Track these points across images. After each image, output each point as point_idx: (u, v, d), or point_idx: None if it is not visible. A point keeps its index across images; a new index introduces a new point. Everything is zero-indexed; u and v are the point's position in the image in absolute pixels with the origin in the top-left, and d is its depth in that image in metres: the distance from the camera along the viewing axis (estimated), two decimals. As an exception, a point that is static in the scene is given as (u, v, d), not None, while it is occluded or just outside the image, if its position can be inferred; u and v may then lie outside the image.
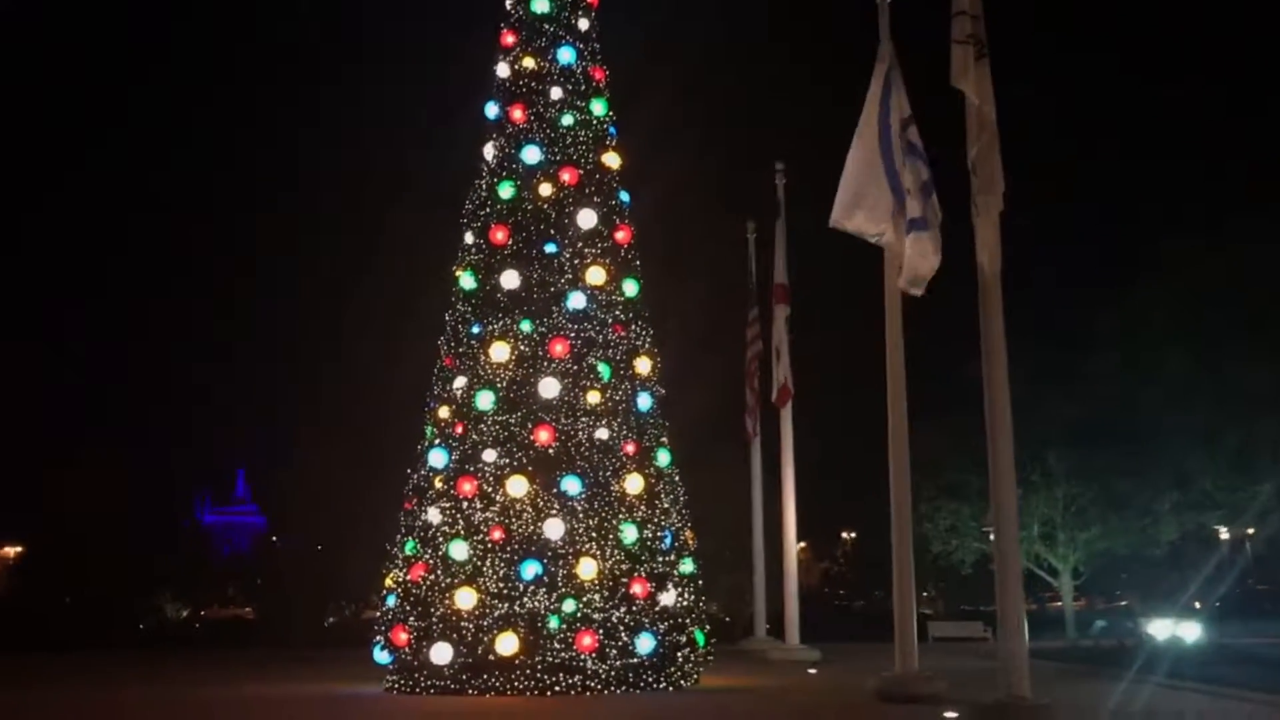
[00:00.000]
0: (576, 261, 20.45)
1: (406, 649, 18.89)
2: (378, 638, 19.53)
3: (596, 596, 18.48)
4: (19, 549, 41.25)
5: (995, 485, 13.24)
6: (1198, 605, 36.13)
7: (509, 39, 21.75)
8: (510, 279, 20.31)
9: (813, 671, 23.44)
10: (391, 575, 19.85)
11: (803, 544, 29.84)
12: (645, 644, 18.61)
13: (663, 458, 20.50)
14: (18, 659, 29.24)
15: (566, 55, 21.50)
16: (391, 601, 19.53)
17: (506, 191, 20.87)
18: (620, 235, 21.10)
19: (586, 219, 20.65)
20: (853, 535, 57.24)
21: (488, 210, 20.93)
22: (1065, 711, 12.73)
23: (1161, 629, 30.23)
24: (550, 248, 20.47)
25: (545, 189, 20.72)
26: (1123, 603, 52.21)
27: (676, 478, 20.72)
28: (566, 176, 20.79)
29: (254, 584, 42.26)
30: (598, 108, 21.57)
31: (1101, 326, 32.47)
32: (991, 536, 34.87)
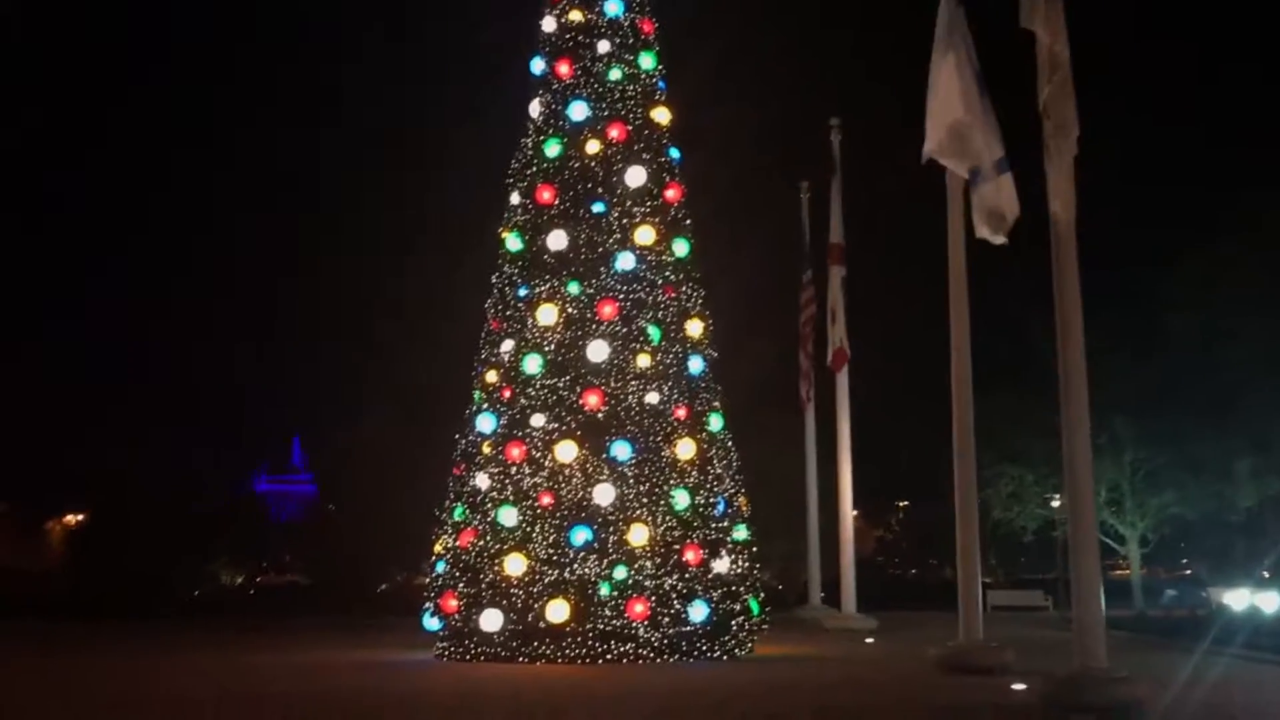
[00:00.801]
0: (625, 221, 19.88)
1: (456, 616, 18.62)
2: (427, 604, 19.28)
3: (648, 563, 18.07)
4: (79, 516, 41.79)
5: (1069, 446, 12.50)
6: (1265, 575, 34.93)
7: (555, -8, 21.10)
8: (557, 239, 19.80)
9: (870, 641, 22.87)
10: (441, 541, 19.58)
11: (856, 512, 28.98)
12: (698, 612, 18.17)
13: (715, 422, 19.96)
14: (73, 626, 29.54)
15: (614, 7, 20.83)
16: (441, 568, 19.26)
17: (553, 149, 20.32)
18: (670, 193, 20.48)
19: (635, 177, 20.05)
20: (904, 504, 56.43)
21: (534, 169, 20.40)
22: (1142, 683, 12.03)
23: (1238, 599, 29.18)
24: (598, 207, 19.92)
25: (593, 146, 20.14)
26: (1187, 572, 50.94)
27: (729, 443, 20.17)
28: (615, 133, 20.18)
29: (308, 551, 42.50)
30: (646, 61, 20.90)
31: (1178, 285, 31.19)
32: (1053, 503, 34.10)
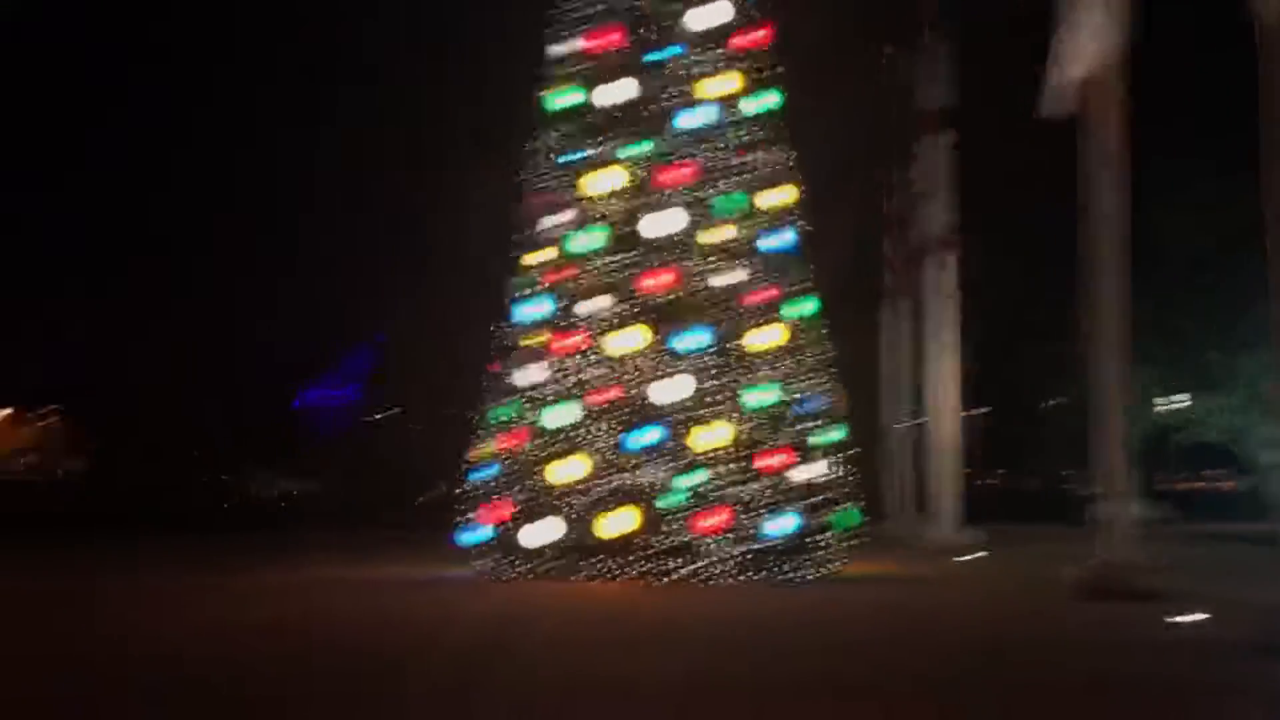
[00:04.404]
0: (697, 69, 16.85)
1: (499, 528, 16.27)
2: (467, 515, 16.92)
3: (724, 469, 15.58)
4: (107, 418, 40.26)
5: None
6: None
7: None
8: (616, 92, 16.93)
9: (975, 557, 20.12)
10: (486, 443, 17.11)
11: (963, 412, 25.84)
12: (782, 525, 15.63)
13: (806, 307, 17.12)
14: (101, 537, 27.94)
15: None
16: (482, 475, 16.83)
17: (609, -18, 17.25)
18: (753, 36, 17.37)
19: (711, 15, 16.95)
20: (985, 409, 52.88)
21: (585, 9, 17.35)
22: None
23: None
24: (666, 52, 16.93)
25: (656, -22, 17.05)
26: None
27: (821, 331, 17.33)
28: (683, -41, 17.06)
29: (347, 462, 40.93)
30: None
31: None
32: (1166, 405, 30.29)
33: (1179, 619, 11.37)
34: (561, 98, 17.40)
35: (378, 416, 41.94)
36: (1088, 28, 13.13)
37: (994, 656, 9.71)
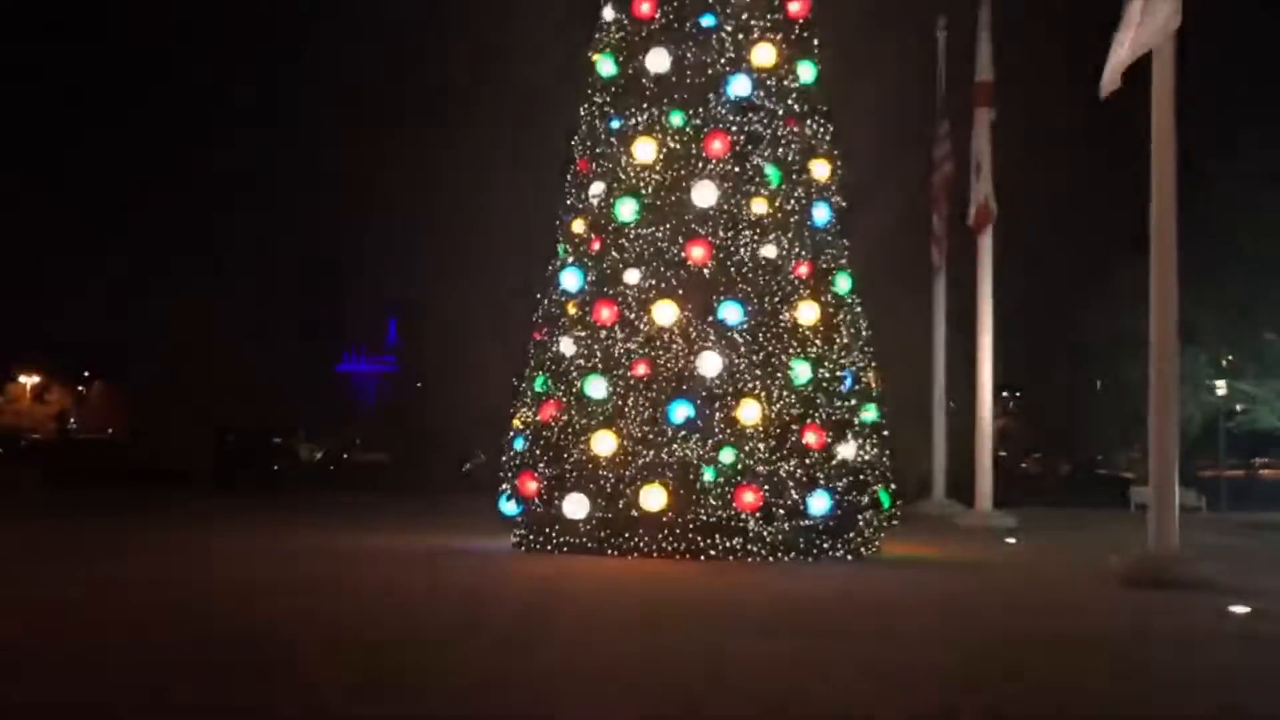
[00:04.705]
0: (740, 37, 16.62)
1: (537, 500, 16.16)
2: (504, 486, 16.82)
3: (761, 445, 15.38)
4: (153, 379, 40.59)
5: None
6: None
7: None
8: (658, 60, 16.64)
9: (1012, 542, 19.82)
10: (520, 415, 17.00)
11: (1003, 395, 25.45)
12: (819, 503, 15.44)
13: (843, 283, 16.87)
14: (145, 496, 28.20)
15: None
16: (520, 445, 16.73)
17: (654, -50, 16.91)
18: (795, 6, 17.04)
19: (754, -16, 16.62)
20: (1016, 394, 52.15)
21: (633, -23, 17.02)
22: None
23: None
24: (708, 20, 16.61)
25: (701, -55, 16.69)
26: None
27: (859, 308, 17.06)
28: (727, -71, 16.68)
29: (393, 429, 41.03)
30: None
31: None
32: (1219, 391, 29.45)
33: (1237, 609, 11.06)
34: (606, 62, 17.14)
35: (419, 385, 41.98)
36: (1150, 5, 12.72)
37: (1051, 645, 9.44)
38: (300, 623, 9.88)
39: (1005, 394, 52.64)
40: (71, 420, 55.94)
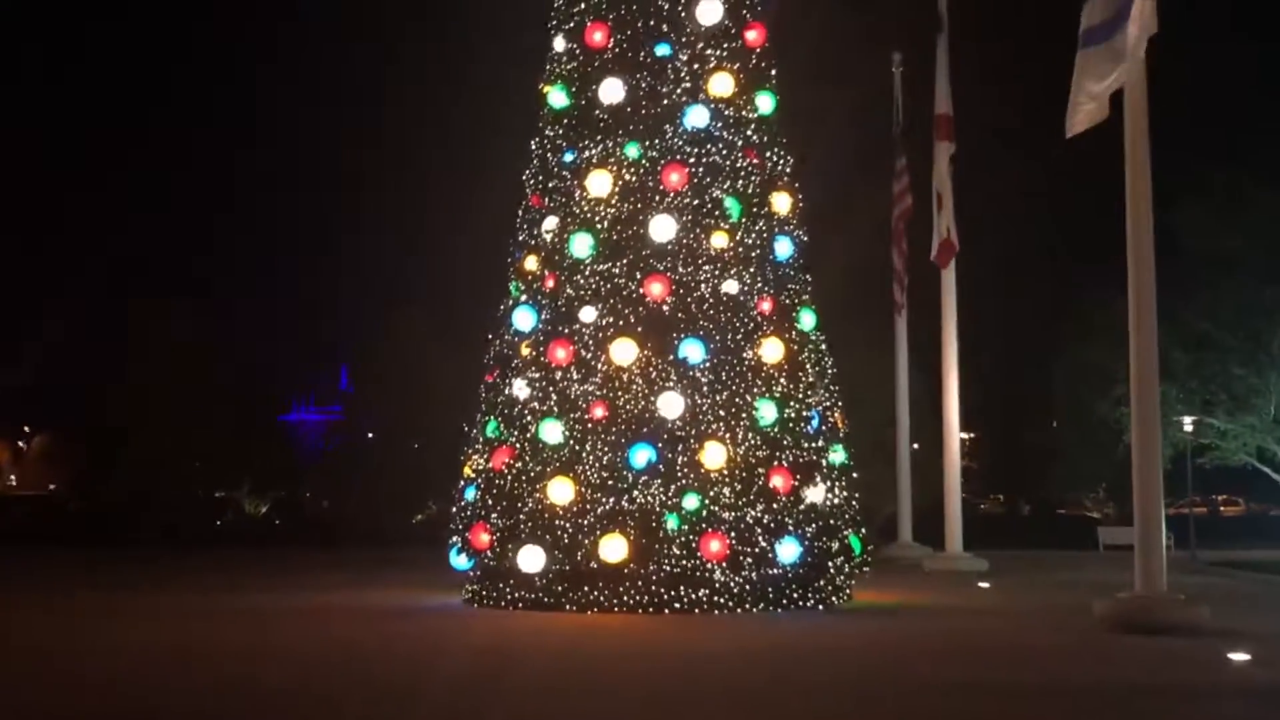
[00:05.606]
0: (696, 67, 16.10)
1: (489, 553, 15.25)
2: (454, 538, 15.89)
3: (726, 490, 14.67)
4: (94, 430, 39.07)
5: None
6: None
7: None
8: (611, 91, 16.03)
9: (985, 586, 19.11)
10: (470, 463, 16.12)
11: (969, 435, 24.91)
12: (789, 551, 14.75)
13: (806, 319, 16.26)
14: (84, 555, 26.77)
15: None
16: (471, 495, 15.83)
17: (607, -23, 16.37)
18: (752, 35, 16.61)
19: (709, 12, 16.12)
20: (971, 436, 51.74)
21: (583, 5, 16.46)
22: None
23: None
24: (663, 49, 16.10)
25: (655, -26, 16.17)
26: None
27: (824, 345, 16.42)
28: (682, -43, 16.18)
29: (340, 480, 39.80)
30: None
31: None
32: (1186, 426, 28.93)
33: (1236, 657, 10.41)
34: (558, 94, 16.50)
35: (369, 435, 40.93)
36: (1119, 42, 12.35)
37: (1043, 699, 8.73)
38: (239, 693, 8.96)
39: (964, 435, 52.32)
40: (11, 477, 53.97)
